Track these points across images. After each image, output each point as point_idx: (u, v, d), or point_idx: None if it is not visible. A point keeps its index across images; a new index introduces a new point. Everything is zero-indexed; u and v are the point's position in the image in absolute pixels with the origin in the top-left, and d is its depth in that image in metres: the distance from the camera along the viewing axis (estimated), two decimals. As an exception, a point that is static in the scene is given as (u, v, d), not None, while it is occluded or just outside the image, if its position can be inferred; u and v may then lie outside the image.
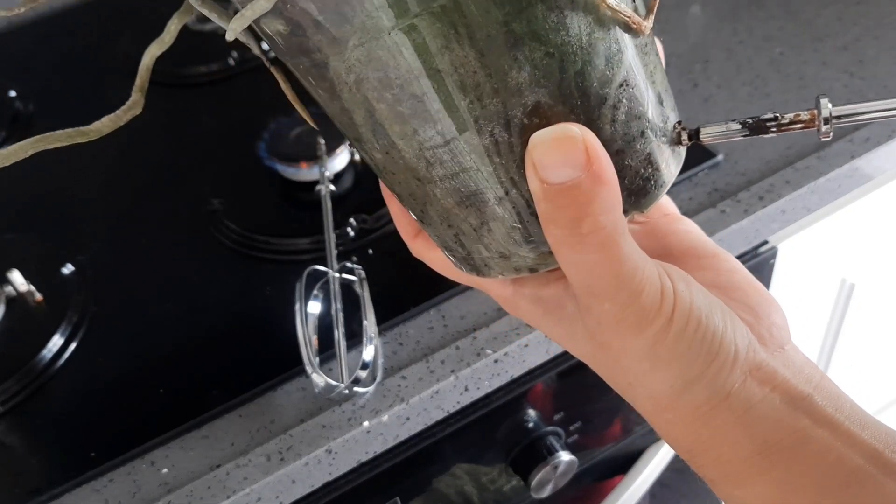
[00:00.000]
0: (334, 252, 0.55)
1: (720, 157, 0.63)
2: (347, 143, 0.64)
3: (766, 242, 0.67)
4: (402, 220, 0.35)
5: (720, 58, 0.73)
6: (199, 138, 0.74)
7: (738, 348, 0.28)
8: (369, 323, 0.52)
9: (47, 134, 0.24)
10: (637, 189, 0.29)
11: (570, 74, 0.26)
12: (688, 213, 0.60)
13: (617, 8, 0.26)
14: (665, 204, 0.36)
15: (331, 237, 0.56)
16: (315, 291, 0.55)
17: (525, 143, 0.26)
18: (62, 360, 0.55)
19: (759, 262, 0.67)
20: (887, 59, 0.70)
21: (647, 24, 0.27)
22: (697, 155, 0.63)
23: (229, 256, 0.61)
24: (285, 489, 0.49)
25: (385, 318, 0.54)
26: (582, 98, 0.26)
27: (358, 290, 0.54)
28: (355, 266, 0.55)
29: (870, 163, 0.64)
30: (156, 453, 0.50)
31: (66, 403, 0.53)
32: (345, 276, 0.54)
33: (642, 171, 0.29)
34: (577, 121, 0.26)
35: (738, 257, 0.65)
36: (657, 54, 0.30)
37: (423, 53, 0.25)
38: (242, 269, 0.60)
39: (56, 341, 0.55)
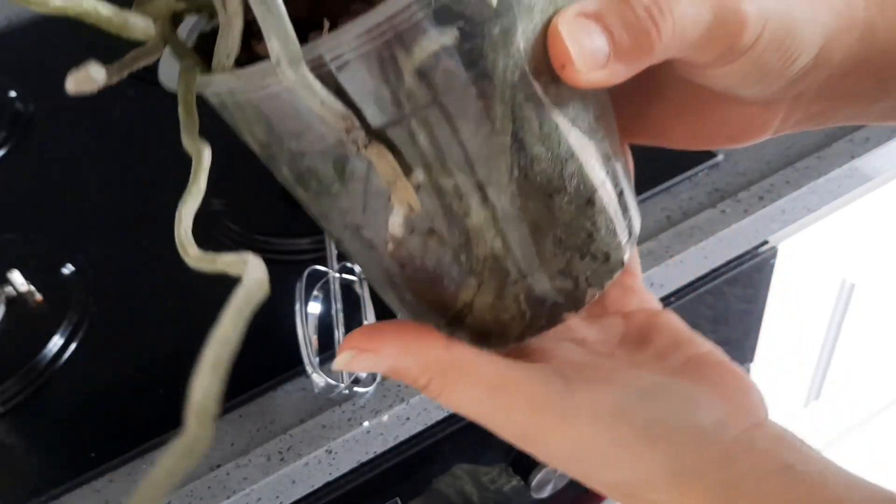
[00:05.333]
0: (334, 252, 0.55)
1: (720, 156, 0.63)
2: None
3: (765, 242, 0.67)
4: None
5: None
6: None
7: (722, 430, 0.28)
8: (370, 323, 0.52)
9: None
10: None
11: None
12: (688, 213, 0.60)
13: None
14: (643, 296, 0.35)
15: (331, 237, 0.56)
16: (315, 292, 0.55)
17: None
18: (62, 361, 0.55)
19: (759, 262, 0.67)
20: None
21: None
22: (697, 155, 0.63)
23: (229, 256, 0.61)
24: (285, 489, 0.49)
25: (386, 318, 0.54)
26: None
27: (358, 290, 0.54)
28: (355, 266, 0.55)
29: (869, 163, 0.64)
30: (156, 453, 0.50)
31: (66, 404, 0.53)
32: (345, 276, 0.54)
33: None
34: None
35: (738, 257, 0.65)
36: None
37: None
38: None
39: (56, 341, 0.55)
